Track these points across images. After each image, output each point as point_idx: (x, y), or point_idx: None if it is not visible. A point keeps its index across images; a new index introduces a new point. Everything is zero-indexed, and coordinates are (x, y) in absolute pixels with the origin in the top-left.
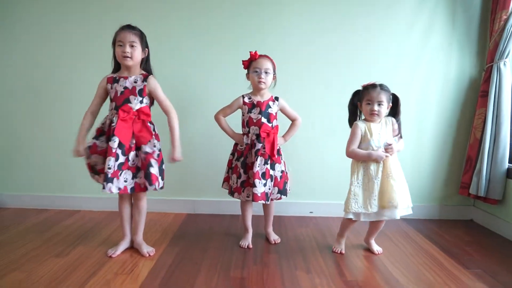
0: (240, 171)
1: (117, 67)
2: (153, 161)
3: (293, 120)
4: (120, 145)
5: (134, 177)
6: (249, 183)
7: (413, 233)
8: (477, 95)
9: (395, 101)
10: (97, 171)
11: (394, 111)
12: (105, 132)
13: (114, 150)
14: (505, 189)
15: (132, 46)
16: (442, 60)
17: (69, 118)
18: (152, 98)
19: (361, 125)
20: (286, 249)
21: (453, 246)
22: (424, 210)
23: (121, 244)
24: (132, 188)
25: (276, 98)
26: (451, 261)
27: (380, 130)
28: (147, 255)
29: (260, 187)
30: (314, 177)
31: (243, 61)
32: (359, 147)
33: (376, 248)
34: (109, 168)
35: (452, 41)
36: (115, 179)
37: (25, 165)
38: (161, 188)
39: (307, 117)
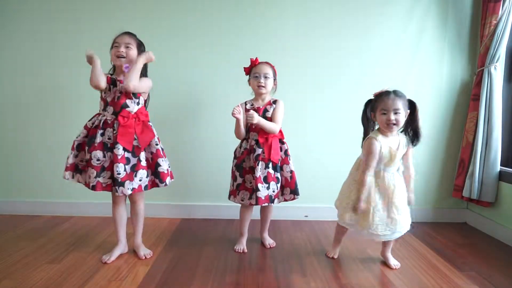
0: (236, 174)
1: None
2: (160, 160)
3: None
4: (127, 149)
5: (148, 175)
6: (244, 187)
7: (407, 236)
8: (469, 98)
9: (412, 108)
10: (80, 169)
11: (411, 120)
12: (91, 132)
13: (120, 157)
14: (498, 192)
15: (127, 47)
16: (434, 64)
17: (61, 123)
18: (146, 99)
19: (378, 142)
20: (281, 253)
21: (447, 249)
22: (418, 212)
23: (116, 249)
24: (145, 186)
25: (275, 102)
26: (445, 263)
27: (397, 151)
28: (143, 257)
29: (264, 191)
30: (309, 181)
31: (244, 67)
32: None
33: (393, 262)
34: (119, 174)
35: (444, 45)
36: (127, 182)
37: (16, 170)
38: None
39: (302, 121)
